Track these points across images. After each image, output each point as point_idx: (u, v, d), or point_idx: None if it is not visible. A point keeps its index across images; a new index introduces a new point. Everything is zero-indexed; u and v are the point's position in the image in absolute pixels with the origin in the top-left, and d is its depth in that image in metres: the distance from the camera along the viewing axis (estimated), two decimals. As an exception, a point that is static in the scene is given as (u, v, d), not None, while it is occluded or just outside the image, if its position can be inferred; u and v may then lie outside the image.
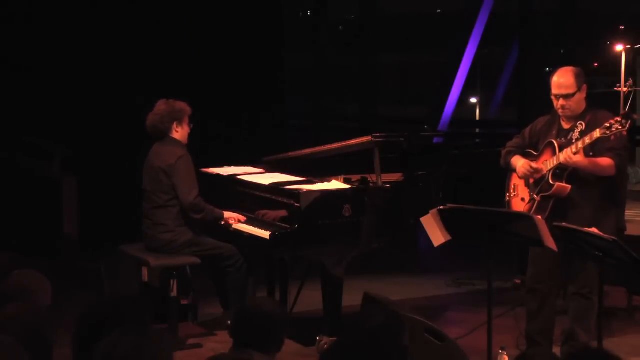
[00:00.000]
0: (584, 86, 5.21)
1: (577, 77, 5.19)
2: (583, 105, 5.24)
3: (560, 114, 5.25)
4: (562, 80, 5.18)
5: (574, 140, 5.11)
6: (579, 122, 5.20)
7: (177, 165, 5.87)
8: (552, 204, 5.17)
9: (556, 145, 5.15)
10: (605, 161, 5.06)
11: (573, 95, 5.17)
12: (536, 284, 5.35)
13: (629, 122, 4.82)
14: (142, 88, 8.10)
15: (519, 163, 5.34)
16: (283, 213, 5.65)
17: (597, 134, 4.89)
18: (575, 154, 4.99)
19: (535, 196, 5.23)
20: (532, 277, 5.38)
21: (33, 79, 8.40)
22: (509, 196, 5.48)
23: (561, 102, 5.18)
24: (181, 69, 8.81)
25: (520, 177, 5.38)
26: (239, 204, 6.07)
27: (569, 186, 5.13)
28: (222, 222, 5.95)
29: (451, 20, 16.64)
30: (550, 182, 5.15)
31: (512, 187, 5.46)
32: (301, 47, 14.80)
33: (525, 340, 5.42)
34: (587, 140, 4.96)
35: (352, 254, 5.59)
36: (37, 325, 3.12)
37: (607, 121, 4.88)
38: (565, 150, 5.04)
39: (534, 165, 5.25)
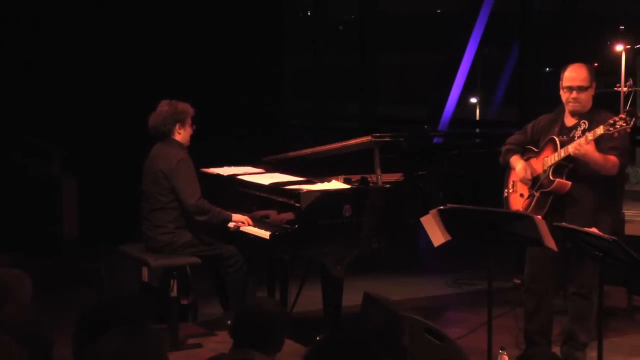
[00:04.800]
0: (594, 84, 5.24)
1: (590, 72, 5.23)
2: (590, 103, 5.25)
3: (570, 108, 5.24)
4: (576, 73, 5.21)
5: (576, 138, 5.11)
6: (582, 121, 5.20)
7: (178, 168, 5.85)
8: (551, 201, 5.17)
9: (557, 141, 5.15)
10: (611, 158, 5.06)
11: (587, 88, 5.19)
12: (533, 284, 5.35)
13: (633, 119, 4.83)
14: (142, 88, 8.10)
15: (518, 166, 5.34)
16: (283, 213, 5.65)
17: (600, 130, 4.90)
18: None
19: (535, 192, 5.23)
20: (529, 276, 5.37)
21: (33, 79, 8.40)
22: (507, 192, 5.48)
23: (574, 94, 5.18)
24: (181, 69, 8.81)
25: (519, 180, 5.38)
26: (239, 204, 6.07)
27: (569, 183, 5.13)
28: (231, 225, 5.87)
29: (451, 20, 16.61)
30: (551, 177, 5.15)
31: (511, 183, 5.46)
32: (301, 47, 14.78)
33: (524, 340, 5.42)
34: (590, 136, 4.95)
35: (352, 254, 5.59)
36: (35, 325, 3.12)
37: (610, 120, 4.89)
38: (577, 140, 5.02)
39: (528, 176, 5.25)
